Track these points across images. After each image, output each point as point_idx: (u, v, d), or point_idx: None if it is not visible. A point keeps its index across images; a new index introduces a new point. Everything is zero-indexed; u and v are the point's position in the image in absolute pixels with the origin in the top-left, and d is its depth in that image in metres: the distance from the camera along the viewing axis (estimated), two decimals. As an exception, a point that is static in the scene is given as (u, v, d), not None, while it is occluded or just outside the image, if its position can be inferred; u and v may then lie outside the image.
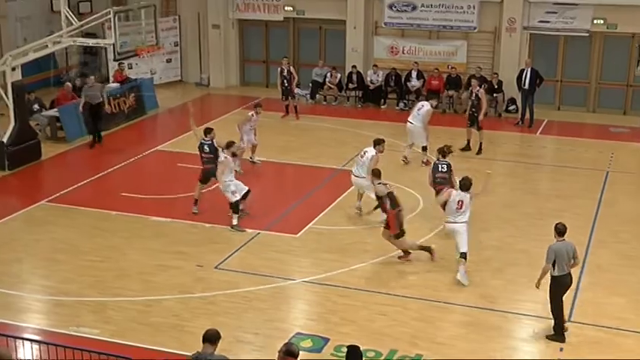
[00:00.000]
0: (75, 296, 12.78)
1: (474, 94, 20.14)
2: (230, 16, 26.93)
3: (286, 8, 26.27)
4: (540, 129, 22.79)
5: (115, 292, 12.94)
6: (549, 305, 11.63)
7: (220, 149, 15.66)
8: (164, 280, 13.37)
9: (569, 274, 11.49)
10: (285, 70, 23.32)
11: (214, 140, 16.01)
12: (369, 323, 12.06)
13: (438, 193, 14.72)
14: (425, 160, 18.90)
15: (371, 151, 15.85)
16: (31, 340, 10.82)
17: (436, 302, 12.72)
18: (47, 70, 25.81)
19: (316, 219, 15.93)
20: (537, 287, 11.65)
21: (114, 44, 18.69)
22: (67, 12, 18.75)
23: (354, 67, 25.08)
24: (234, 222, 15.46)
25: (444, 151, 15.42)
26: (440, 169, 15.23)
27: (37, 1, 26.29)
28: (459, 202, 13.29)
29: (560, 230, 11.42)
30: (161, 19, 23.98)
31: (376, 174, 14.40)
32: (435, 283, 13.38)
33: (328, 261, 14.12)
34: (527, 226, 15.72)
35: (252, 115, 18.83)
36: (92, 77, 22.02)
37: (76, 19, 18.85)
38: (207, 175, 16.02)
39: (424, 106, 19.25)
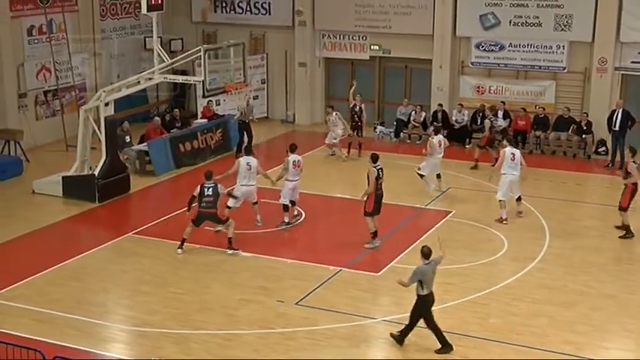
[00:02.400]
0: (158, 327, 13.01)
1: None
2: (317, 55, 27.31)
3: (372, 47, 26.50)
4: (631, 172, 22.19)
5: (197, 324, 13.12)
6: (423, 323, 12.23)
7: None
8: (245, 314, 13.50)
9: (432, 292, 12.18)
10: (358, 107, 23.46)
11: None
12: (449, 365, 11.91)
13: None
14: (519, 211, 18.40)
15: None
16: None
17: (519, 346, 12.46)
18: (138, 105, 26.61)
19: (398, 258, 15.86)
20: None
21: (203, 81, 19.04)
22: (160, 50, 19.23)
23: (440, 105, 25.02)
24: (286, 219, 16.71)
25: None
26: None
27: (130, 40, 27.20)
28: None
29: (426, 253, 12.20)
30: (249, 57, 24.47)
31: (374, 158, 16.36)
32: (519, 327, 13.13)
33: (409, 300, 13.90)
34: (617, 270, 15.32)
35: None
36: (177, 111, 22.59)
37: (167, 57, 19.36)
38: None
39: (515, 154, 17.92)
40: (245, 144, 22.70)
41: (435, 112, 25.07)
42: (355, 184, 20.02)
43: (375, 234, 16.39)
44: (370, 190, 16.20)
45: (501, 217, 17.72)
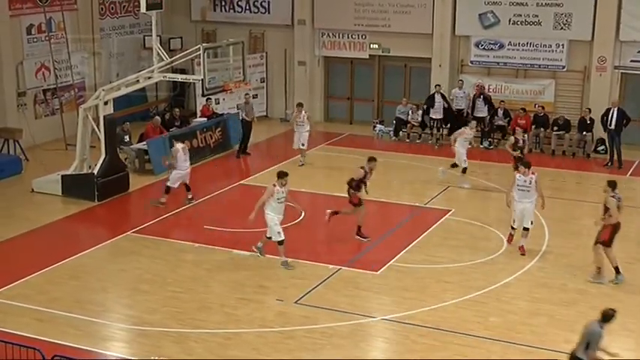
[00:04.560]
0: (157, 326, 13.00)
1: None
2: (316, 54, 27.32)
3: (372, 46, 26.52)
4: (631, 170, 22.24)
5: (197, 323, 13.11)
6: None
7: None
8: (245, 313, 13.49)
9: None
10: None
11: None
12: (449, 364, 11.92)
13: None
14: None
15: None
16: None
17: (519, 345, 12.46)
18: (137, 104, 26.60)
19: (398, 256, 15.86)
20: None
21: (202, 80, 19.03)
22: (159, 48, 19.23)
23: (437, 86, 24.79)
24: (284, 258, 15.28)
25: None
26: None
27: (130, 39, 27.20)
28: None
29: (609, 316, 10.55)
30: (249, 56, 24.47)
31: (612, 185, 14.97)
32: (519, 326, 13.12)
33: (409, 299, 14.01)
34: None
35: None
36: (177, 110, 22.60)
37: (166, 56, 19.37)
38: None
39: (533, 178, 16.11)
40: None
41: (432, 96, 24.76)
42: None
43: (615, 269, 14.83)
44: (613, 220, 14.65)
45: (520, 246, 16.08)
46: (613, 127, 22.32)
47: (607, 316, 10.53)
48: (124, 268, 15.43)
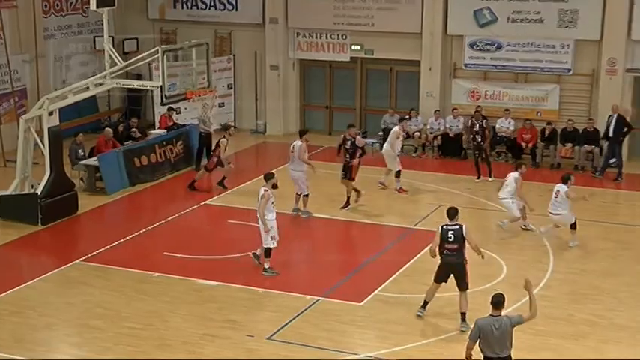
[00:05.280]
0: (110, 367, 13.01)
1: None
2: (290, 56, 27.45)
3: (353, 47, 26.68)
4: (645, 186, 22.53)
5: (156, 363, 13.12)
6: None
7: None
8: (211, 351, 13.49)
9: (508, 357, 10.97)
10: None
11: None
12: (442, 407, 11.99)
13: None
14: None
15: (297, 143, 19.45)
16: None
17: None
18: (87, 114, 26.58)
19: (383, 285, 15.93)
20: None
21: (161, 86, 19.05)
22: (111, 51, 19.24)
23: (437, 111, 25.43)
24: (266, 265, 16.20)
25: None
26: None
27: (78, 40, 27.21)
28: None
29: (494, 302, 11.02)
30: (214, 60, 24.58)
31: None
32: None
33: (396, 334, 14.08)
34: (630, 297, 15.46)
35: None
36: (135, 120, 22.68)
37: (120, 59, 19.34)
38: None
39: (510, 176, 18.60)
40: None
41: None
42: (334, 201, 20.16)
43: None
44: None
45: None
46: (611, 134, 22.72)
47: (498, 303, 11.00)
48: (72, 302, 15.38)
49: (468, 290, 14.14)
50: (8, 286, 15.82)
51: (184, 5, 28.39)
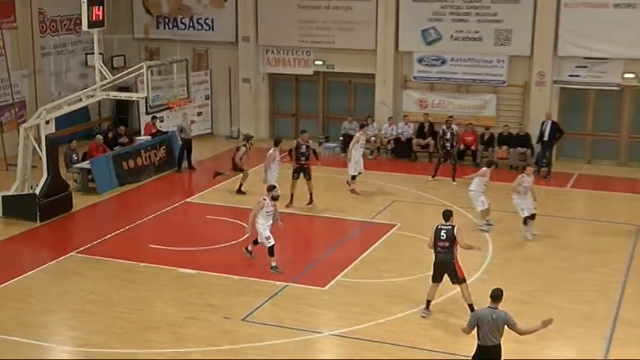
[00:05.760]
0: (103, 347, 12.87)
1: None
2: (260, 70, 27.39)
3: (316, 62, 26.69)
4: (570, 183, 22.76)
5: (143, 344, 13.02)
6: None
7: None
8: (192, 332, 13.44)
9: (496, 346, 10.80)
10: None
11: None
12: (396, 378, 12.04)
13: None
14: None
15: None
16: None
17: (463, 357, 12.63)
18: (80, 123, 26.34)
19: (344, 272, 15.96)
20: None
21: (146, 98, 18.93)
22: (101, 66, 19.11)
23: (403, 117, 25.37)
24: (273, 264, 15.81)
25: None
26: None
27: (71, 57, 26.96)
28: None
29: (492, 296, 10.84)
30: (193, 74, 24.42)
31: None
32: (463, 337, 13.25)
33: (356, 314, 14.12)
34: (559, 280, 15.63)
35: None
36: (123, 128, 22.47)
37: (109, 74, 19.24)
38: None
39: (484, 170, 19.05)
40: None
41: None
42: (299, 197, 20.16)
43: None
44: None
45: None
46: (546, 138, 22.98)
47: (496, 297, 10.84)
48: (68, 290, 15.25)
49: (466, 282, 13.85)
50: (10, 276, 15.66)
51: (166, 26, 28.24)
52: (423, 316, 13.95)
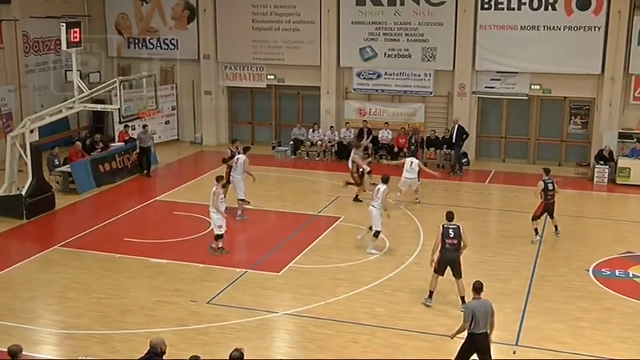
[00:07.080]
0: (84, 329, 12.63)
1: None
2: (220, 84, 27.16)
3: (269, 77, 26.56)
4: (488, 179, 23.01)
5: (120, 325, 12.80)
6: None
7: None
8: (163, 314, 13.25)
9: (485, 334, 10.54)
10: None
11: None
12: (343, 350, 12.00)
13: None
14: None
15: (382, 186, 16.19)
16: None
17: (401, 330, 12.69)
18: (60, 131, 25.80)
19: (296, 259, 15.88)
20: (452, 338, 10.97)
21: (119, 109, 18.70)
22: (79, 82, 18.80)
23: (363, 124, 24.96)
24: (219, 245, 15.86)
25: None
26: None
27: (52, 73, 26.39)
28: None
29: (476, 288, 10.64)
30: (160, 87, 24.10)
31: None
32: (400, 313, 13.36)
33: (307, 295, 14.07)
34: (479, 262, 15.76)
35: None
36: (99, 136, 21.95)
37: (86, 88, 18.91)
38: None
39: (414, 162, 19.86)
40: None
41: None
42: (262, 197, 20.01)
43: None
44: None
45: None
46: (454, 140, 23.42)
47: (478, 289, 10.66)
48: (52, 279, 14.91)
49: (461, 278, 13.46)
50: (0, 267, 15.25)
51: (136, 46, 27.80)
52: (427, 306, 13.45)
